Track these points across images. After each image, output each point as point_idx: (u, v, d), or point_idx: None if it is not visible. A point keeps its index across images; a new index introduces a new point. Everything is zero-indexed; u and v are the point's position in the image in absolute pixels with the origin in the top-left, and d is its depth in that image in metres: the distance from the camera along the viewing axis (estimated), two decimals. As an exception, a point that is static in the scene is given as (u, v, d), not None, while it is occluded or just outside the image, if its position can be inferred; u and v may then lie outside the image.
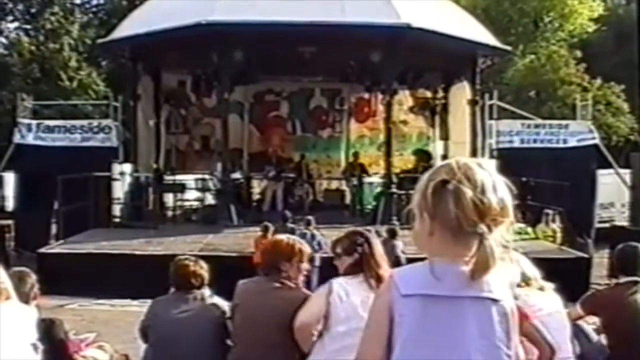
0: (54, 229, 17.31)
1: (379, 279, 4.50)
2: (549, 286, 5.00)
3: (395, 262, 9.72)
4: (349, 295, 4.59)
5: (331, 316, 4.64)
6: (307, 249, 5.23)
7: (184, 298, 5.31)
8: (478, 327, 2.30)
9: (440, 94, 23.91)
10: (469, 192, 2.28)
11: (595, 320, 5.77)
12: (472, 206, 2.27)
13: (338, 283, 4.72)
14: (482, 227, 2.27)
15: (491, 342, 2.31)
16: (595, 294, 6.28)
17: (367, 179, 22.16)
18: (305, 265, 5.12)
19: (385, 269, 4.60)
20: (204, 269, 5.44)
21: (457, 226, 2.28)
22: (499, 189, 2.33)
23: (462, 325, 2.29)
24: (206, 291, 5.41)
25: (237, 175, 21.59)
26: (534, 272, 4.95)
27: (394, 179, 19.57)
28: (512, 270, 2.48)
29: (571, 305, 5.57)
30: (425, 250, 2.39)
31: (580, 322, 5.56)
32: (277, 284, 4.98)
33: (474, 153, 21.17)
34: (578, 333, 5.35)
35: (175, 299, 5.39)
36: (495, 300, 2.32)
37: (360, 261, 4.74)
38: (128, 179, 21.44)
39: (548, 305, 4.85)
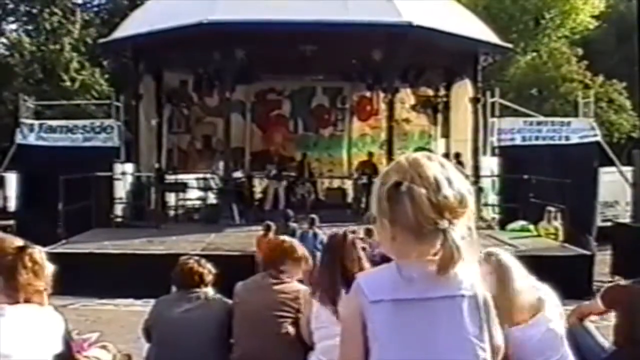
0: (59, 228, 17.28)
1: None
2: (545, 292, 4.82)
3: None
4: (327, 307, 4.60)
5: (317, 330, 4.68)
6: (306, 253, 5.31)
7: (187, 297, 5.32)
8: (451, 325, 2.28)
9: (442, 92, 23.93)
10: (423, 191, 2.23)
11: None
12: (428, 205, 2.23)
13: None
14: (444, 223, 2.23)
15: (465, 338, 2.29)
16: (616, 287, 6.14)
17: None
18: (300, 271, 5.20)
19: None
20: (207, 269, 5.45)
21: (417, 227, 2.24)
22: (454, 182, 2.29)
23: (435, 326, 2.28)
24: (209, 290, 5.42)
25: (239, 174, 21.58)
26: (530, 284, 4.80)
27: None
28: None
29: (572, 303, 5.53)
30: (391, 254, 2.35)
31: (584, 321, 5.49)
32: (274, 280, 5.06)
33: (475, 151, 21.20)
34: (580, 330, 5.31)
35: (178, 298, 5.40)
36: (464, 296, 2.30)
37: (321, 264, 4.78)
38: (130, 179, 21.43)
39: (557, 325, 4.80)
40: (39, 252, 3.54)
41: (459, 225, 2.27)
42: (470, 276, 2.34)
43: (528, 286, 4.61)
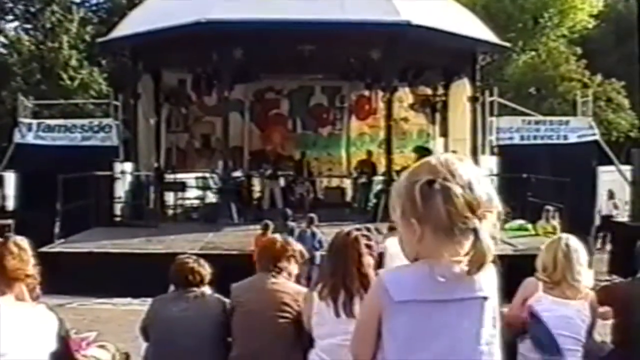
0: (57, 228, 17.28)
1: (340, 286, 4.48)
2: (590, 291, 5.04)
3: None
4: (326, 305, 4.57)
5: (317, 328, 4.68)
6: (299, 247, 5.30)
7: (185, 296, 5.32)
8: (474, 326, 2.30)
9: (441, 91, 23.91)
10: (458, 189, 2.23)
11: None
12: (463, 202, 2.22)
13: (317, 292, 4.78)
14: (475, 222, 2.23)
15: (486, 339, 2.31)
16: (611, 286, 6.20)
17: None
18: (296, 266, 5.20)
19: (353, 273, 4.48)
20: (204, 267, 5.45)
21: (449, 225, 2.23)
22: (482, 182, 2.29)
23: (458, 326, 2.28)
24: (207, 289, 5.43)
25: (237, 173, 21.57)
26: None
27: (395, 177, 19.51)
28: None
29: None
30: (418, 255, 2.33)
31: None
32: (275, 280, 5.05)
33: (474, 150, 21.19)
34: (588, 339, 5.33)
35: (175, 297, 5.40)
36: (486, 298, 2.32)
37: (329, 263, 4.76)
38: (129, 178, 21.44)
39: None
40: (22, 240, 3.66)
41: (486, 225, 2.28)
42: (489, 277, 2.35)
43: (584, 273, 4.93)
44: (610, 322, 5.51)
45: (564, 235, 5.17)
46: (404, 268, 2.38)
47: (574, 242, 5.00)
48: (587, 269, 4.98)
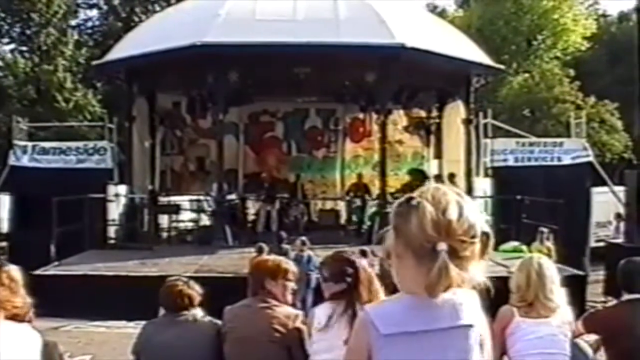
0: (52, 250, 17.22)
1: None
2: (566, 308, 5.10)
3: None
4: (332, 324, 4.56)
5: (313, 345, 4.66)
6: (292, 267, 5.25)
7: (176, 320, 5.28)
8: (459, 355, 2.31)
9: (435, 113, 23.96)
10: (429, 207, 2.25)
11: (592, 337, 5.73)
12: (431, 221, 2.24)
13: (320, 311, 4.73)
14: (442, 245, 2.23)
15: None
16: (597, 312, 6.19)
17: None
18: (291, 284, 5.13)
19: (375, 296, 4.45)
20: (194, 289, 5.39)
21: (418, 245, 2.25)
22: (466, 211, 2.29)
23: (444, 356, 2.29)
24: (198, 312, 5.38)
25: (232, 196, 21.57)
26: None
27: (389, 199, 19.51)
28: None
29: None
30: (398, 283, 2.36)
31: (577, 339, 5.52)
32: (264, 304, 5.00)
33: (468, 172, 21.22)
34: (574, 350, 5.33)
35: (167, 320, 5.36)
36: (470, 326, 2.33)
37: (347, 291, 4.69)
38: (123, 200, 21.40)
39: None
40: (16, 270, 3.59)
41: (469, 257, 2.28)
42: (472, 304, 2.37)
43: (556, 291, 5.00)
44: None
45: (536, 255, 5.25)
46: (388, 301, 2.45)
47: (546, 261, 5.07)
48: (560, 287, 5.03)
